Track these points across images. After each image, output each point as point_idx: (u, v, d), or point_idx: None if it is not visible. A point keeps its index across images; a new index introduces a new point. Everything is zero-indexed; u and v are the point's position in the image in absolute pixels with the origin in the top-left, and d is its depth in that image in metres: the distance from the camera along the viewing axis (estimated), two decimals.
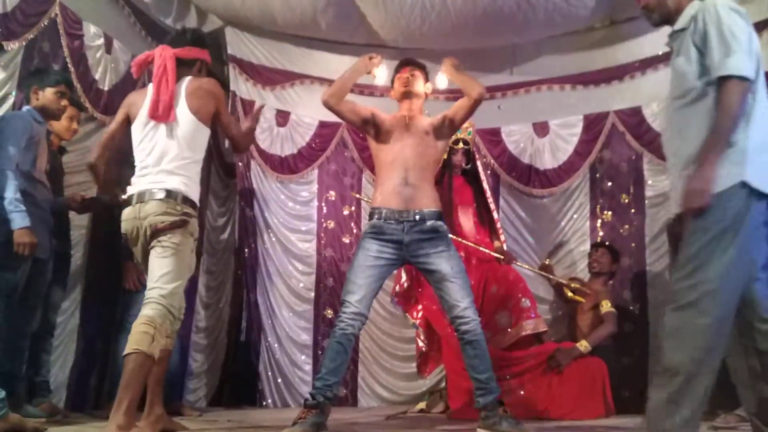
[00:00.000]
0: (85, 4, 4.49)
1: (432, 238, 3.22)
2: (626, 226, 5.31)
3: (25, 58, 3.95)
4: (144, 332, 2.65)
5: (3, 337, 3.33)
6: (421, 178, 3.29)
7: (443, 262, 3.18)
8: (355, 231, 5.64)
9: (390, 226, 3.23)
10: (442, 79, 3.80)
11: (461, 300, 3.13)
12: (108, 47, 4.64)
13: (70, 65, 4.27)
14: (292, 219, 5.70)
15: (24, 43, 3.94)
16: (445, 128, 3.43)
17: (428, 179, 3.35)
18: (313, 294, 5.56)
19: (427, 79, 3.57)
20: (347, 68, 3.51)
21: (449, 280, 3.15)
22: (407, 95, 3.48)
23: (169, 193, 2.85)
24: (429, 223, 3.23)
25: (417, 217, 3.22)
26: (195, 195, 2.95)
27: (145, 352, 2.62)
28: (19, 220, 3.24)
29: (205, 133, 3.03)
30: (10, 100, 3.81)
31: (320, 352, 5.41)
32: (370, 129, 3.46)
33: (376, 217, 3.28)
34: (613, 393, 4.35)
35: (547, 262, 5.28)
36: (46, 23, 4.09)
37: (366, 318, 3.18)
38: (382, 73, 3.58)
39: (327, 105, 3.38)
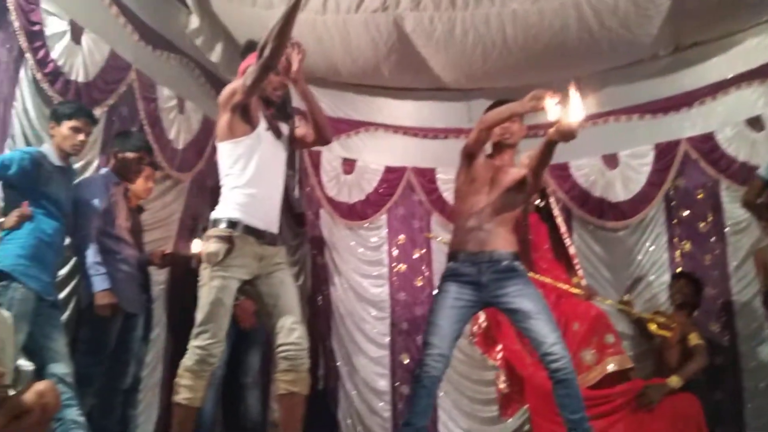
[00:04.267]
0: (158, 69, 4.69)
1: (509, 277, 3.15)
2: (707, 256, 5.12)
3: (107, 123, 4.13)
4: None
5: (98, 394, 3.43)
6: (497, 225, 3.21)
7: (524, 300, 3.11)
8: (426, 273, 5.62)
9: (466, 268, 3.18)
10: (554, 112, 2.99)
11: (548, 336, 3.05)
12: (181, 108, 4.83)
13: (146, 127, 4.44)
14: (363, 264, 5.72)
15: (105, 109, 4.12)
16: (528, 187, 3.28)
17: (505, 226, 3.25)
18: (388, 339, 5.53)
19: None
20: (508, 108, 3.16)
21: (533, 318, 3.07)
22: (503, 146, 3.35)
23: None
24: (504, 263, 3.17)
25: (492, 257, 3.16)
26: (229, 213, 2.88)
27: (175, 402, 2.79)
28: (98, 282, 3.35)
29: (222, 149, 2.97)
30: (95, 163, 3.96)
31: (398, 399, 5.36)
32: (465, 162, 3.33)
33: (452, 260, 3.27)
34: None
35: (626, 298, 5.13)
36: (124, 89, 4.28)
37: (449, 360, 3.13)
38: (553, 107, 2.93)
39: (483, 124, 3.17)
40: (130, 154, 3.73)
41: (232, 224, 2.84)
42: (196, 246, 3.91)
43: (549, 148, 3.07)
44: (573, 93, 2.90)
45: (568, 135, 2.89)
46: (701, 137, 5.20)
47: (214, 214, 2.91)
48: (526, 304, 3.10)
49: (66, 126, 3.28)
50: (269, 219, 2.95)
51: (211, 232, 2.86)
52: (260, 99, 3.03)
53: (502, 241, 3.21)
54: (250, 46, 3.06)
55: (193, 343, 2.80)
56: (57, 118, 3.31)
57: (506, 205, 3.24)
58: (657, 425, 4.04)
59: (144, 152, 3.82)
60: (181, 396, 2.76)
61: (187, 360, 2.78)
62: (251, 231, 2.87)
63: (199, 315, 2.80)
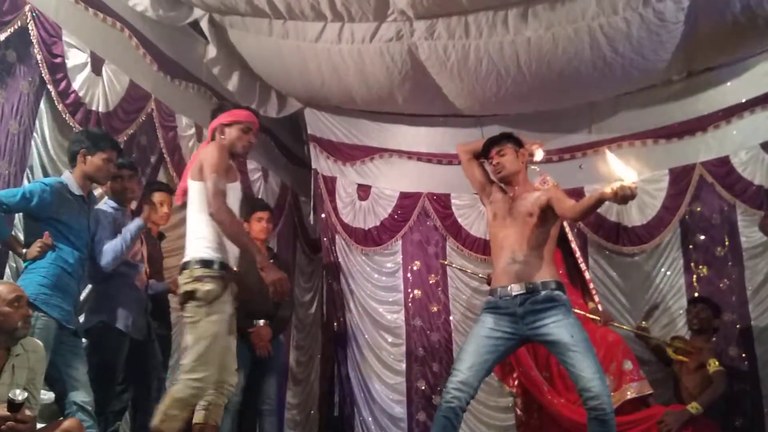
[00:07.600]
0: (176, 98, 4.77)
1: (548, 308, 3.07)
2: (725, 280, 5.09)
3: (126, 152, 4.17)
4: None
5: (136, 421, 3.63)
6: (530, 255, 3.17)
7: (562, 331, 3.01)
8: (442, 299, 5.61)
9: (504, 301, 3.14)
10: (539, 154, 3.40)
11: (585, 369, 2.93)
12: (199, 136, 4.89)
13: (165, 155, 4.51)
14: (378, 290, 5.73)
15: (125, 139, 4.18)
16: (552, 214, 3.22)
17: (540, 255, 3.19)
18: (404, 365, 5.52)
19: (520, 145, 3.41)
20: None
21: (570, 350, 2.97)
22: (504, 180, 3.39)
23: (185, 265, 2.97)
24: (543, 293, 3.09)
25: (528, 289, 3.10)
26: (217, 253, 2.95)
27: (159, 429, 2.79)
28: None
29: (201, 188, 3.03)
30: None
31: (415, 426, 5.33)
32: (484, 198, 3.47)
33: (491, 295, 3.25)
34: None
35: (643, 324, 5.10)
36: (143, 118, 4.35)
37: (475, 390, 3.05)
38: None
39: (459, 151, 3.61)
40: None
41: (223, 266, 2.95)
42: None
43: (598, 204, 2.96)
44: (611, 157, 2.77)
45: (629, 198, 2.67)
46: (716, 161, 5.20)
47: (203, 254, 2.94)
48: (563, 336, 3.00)
49: (100, 157, 3.29)
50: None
51: (203, 272, 2.91)
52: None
53: (538, 271, 3.15)
54: (221, 108, 3.30)
55: (190, 375, 2.81)
56: (89, 147, 3.28)
57: (534, 233, 3.20)
58: None
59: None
60: (167, 424, 2.77)
61: (180, 392, 2.81)
62: (233, 273, 3.02)
63: (198, 348, 2.83)
